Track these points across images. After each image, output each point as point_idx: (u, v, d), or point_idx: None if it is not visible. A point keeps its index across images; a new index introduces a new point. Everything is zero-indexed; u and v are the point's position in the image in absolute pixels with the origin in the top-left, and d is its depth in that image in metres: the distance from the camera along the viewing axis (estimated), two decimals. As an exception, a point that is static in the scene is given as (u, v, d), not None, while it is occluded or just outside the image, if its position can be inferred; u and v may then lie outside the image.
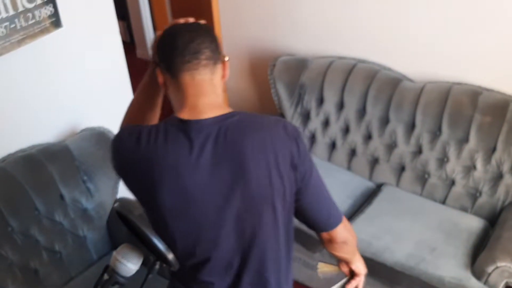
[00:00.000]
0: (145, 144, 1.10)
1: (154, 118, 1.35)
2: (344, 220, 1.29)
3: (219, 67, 1.16)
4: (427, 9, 2.38)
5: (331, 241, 1.29)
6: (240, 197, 1.11)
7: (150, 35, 4.88)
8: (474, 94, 2.28)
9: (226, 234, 1.15)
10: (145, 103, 1.33)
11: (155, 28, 4.88)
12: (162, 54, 1.15)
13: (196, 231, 1.14)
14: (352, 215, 2.37)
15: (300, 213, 1.24)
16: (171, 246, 1.16)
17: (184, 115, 1.12)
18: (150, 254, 1.18)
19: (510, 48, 2.25)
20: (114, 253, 1.15)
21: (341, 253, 1.33)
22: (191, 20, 1.21)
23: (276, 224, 1.19)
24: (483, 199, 2.29)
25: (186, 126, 1.10)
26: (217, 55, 1.14)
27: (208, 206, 1.12)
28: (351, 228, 1.33)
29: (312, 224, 1.27)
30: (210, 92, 1.14)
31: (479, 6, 2.25)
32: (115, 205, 1.24)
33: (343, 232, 1.28)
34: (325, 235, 1.28)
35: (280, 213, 1.18)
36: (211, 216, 1.13)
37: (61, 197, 2.05)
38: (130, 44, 5.11)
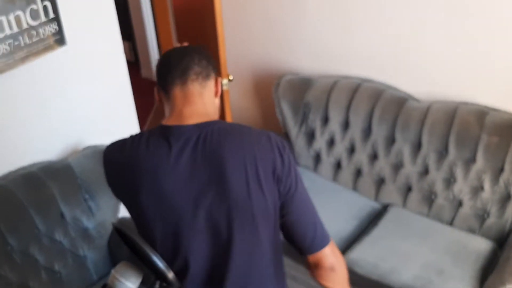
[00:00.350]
0: (128, 151, 1.17)
1: None
2: (332, 244, 1.24)
3: (210, 83, 1.25)
4: (433, 29, 2.38)
5: (317, 266, 1.23)
6: (215, 203, 1.12)
7: (155, 55, 4.91)
8: (481, 114, 2.26)
9: (201, 240, 1.15)
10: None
11: (160, 48, 4.91)
12: (158, 74, 1.26)
13: (174, 234, 1.16)
14: (357, 236, 2.33)
15: (285, 230, 1.21)
16: (154, 249, 1.16)
17: (169, 121, 1.18)
18: (150, 273, 1.15)
19: (517, 67, 2.24)
20: (113, 271, 1.12)
21: (329, 282, 1.25)
22: (185, 44, 1.33)
23: (259, 239, 1.17)
24: (491, 220, 2.24)
25: (167, 131, 1.15)
26: (207, 71, 1.23)
27: (184, 210, 1.13)
28: (340, 254, 1.27)
29: (297, 244, 1.22)
30: (197, 102, 1.21)
31: (485, 25, 2.24)
32: (114, 222, 1.21)
33: (330, 256, 1.22)
34: (311, 258, 1.23)
35: (263, 228, 1.16)
36: (187, 219, 1.14)
37: (62, 215, 2.02)
38: (134, 64, 5.13)
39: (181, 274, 1.18)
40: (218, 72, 1.30)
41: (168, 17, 4.63)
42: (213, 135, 1.13)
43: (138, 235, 1.11)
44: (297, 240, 1.21)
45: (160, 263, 1.08)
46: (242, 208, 1.12)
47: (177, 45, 1.34)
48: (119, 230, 1.12)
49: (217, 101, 1.29)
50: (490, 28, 2.24)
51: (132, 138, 1.21)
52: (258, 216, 1.14)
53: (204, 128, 1.14)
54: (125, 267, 1.13)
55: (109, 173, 1.22)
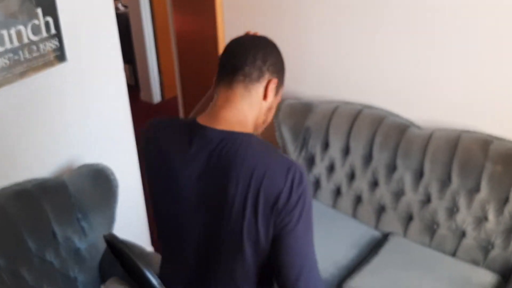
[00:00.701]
0: (160, 135, 1.18)
1: None
2: None
3: (259, 85, 1.14)
4: (435, 55, 2.37)
5: None
6: (210, 215, 1.09)
7: (155, 78, 4.91)
8: (485, 142, 2.23)
9: (191, 240, 1.16)
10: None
11: (160, 72, 4.92)
12: (218, 62, 1.20)
13: (174, 228, 1.18)
14: (357, 265, 2.26)
15: (271, 260, 1.11)
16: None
17: (202, 119, 1.14)
18: None
19: (520, 97, 2.22)
20: (102, 287, 1.06)
21: None
22: (257, 34, 1.23)
23: (245, 266, 1.10)
24: (495, 252, 2.18)
25: (194, 129, 1.13)
26: (260, 73, 1.12)
27: (185, 208, 1.14)
28: None
29: (278, 282, 1.11)
30: (237, 107, 1.13)
31: (488, 52, 2.23)
32: (105, 234, 1.15)
33: None
34: None
35: (250, 257, 1.09)
36: (185, 219, 1.15)
37: (54, 235, 1.96)
38: (134, 87, 5.13)
39: (172, 270, 1.21)
40: (279, 75, 1.17)
41: (170, 41, 4.65)
42: (233, 146, 1.08)
43: (129, 248, 1.06)
44: (279, 281, 1.10)
45: (154, 280, 1.02)
46: (232, 231, 1.07)
47: (250, 33, 1.25)
48: (110, 243, 1.06)
49: (265, 105, 1.17)
50: (494, 56, 2.23)
51: (169, 123, 1.20)
52: (246, 245, 1.07)
53: (228, 137, 1.09)
54: (115, 283, 1.07)
55: (143, 147, 1.24)
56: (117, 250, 1.08)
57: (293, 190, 1.03)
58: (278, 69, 1.16)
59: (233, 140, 1.08)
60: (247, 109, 1.14)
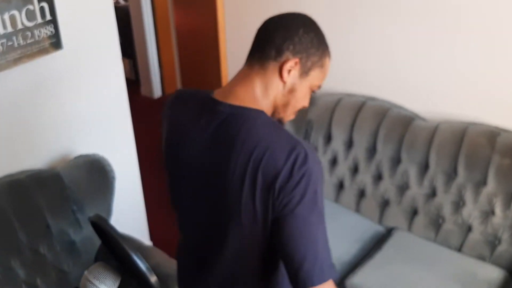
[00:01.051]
0: (179, 105, 1.19)
1: None
2: (330, 286, 1.01)
3: (276, 64, 1.08)
4: (439, 46, 2.31)
5: None
6: (212, 188, 1.09)
7: (156, 73, 4.86)
8: (492, 134, 2.17)
9: (198, 213, 1.16)
10: None
11: (161, 66, 4.87)
12: None
13: (184, 198, 1.19)
14: (360, 261, 2.21)
15: (277, 252, 1.05)
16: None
17: (217, 93, 1.13)
18: (130, 278, 1.02)
19: (529, 88, 2.16)
20: (86, 272, 0.99)
21: None
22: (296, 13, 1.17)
23: (243, 243, 1.09)
24: (502, 247, 2.12)
25: (207, 102, 1.12)
26: (279, 51, 1.07)
27: (192, 178, 1.14)
28: None
29: (287, 272, 1.04)
30: (249, 85, 1.10)
31: (495, 44, 2.17)
32: (91, 216, 1.09)
33: None
34: None
35: (249, 234, 1.07)
36: (193, 190, 1.15)
37: (48, 227, 1.90)
38: (135, 82, 5.08)
39: (183, 240, 1.24)
40: (304, 55, 1.09)
41: (171, 35, 4.60)
42: (239, 121, 1.05)
43: (117, 231, 1.00)
44: (285, 267, 1.04)
45: (142, 264, 0.96)
46: (230, 206, 1.06)
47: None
48: (96, 225, 1.00)
49: (282, 86, 1.11)
50: (500, 47, 2.17)
51: (194, 93, 1.20)
52: (246, 223, 1.05)
53: (238, 111, 1.07)
54: (100, 268, 1.00)
55: (165, 110, 1.24)
56: (104, 233, 1.01)
57: (294, 170, 0.98)
58: (303, 48, 1.09)
59: (240, 116, 1.06)
60: (261, 87, 1.10)
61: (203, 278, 1.22)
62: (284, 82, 1.10)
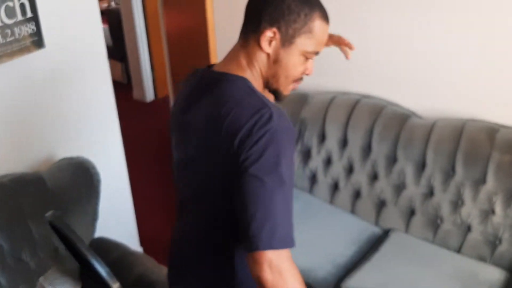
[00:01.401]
0: (185, 82, 1.25)
1: None
2: (281, 258, 0.94)
3: (255, 36, 1.11)
4: (436, 42, 2.26)
5: (253, 274, 0.95)
6: (193, 148, 1.13)
7: (148, 76, 4.80)
8: (491, 131, 2.10)
9: (184, 176, 1.21)
10: None
11: (153, 70, 4.80)
12: None
13: (177, 163, 1.24)
14: (356, 263, 2.13)
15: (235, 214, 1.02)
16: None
17: (213, 66, 1.20)
18: (94, 284, 0.95)
19: (528, 82, 2.10)
20: (41, 279, 0.92)
21: None
22: None
23: (211, 206, 1.12)
24: (503, 247, 2.06)
25: (196, 72, 1.21)
26: (256, 24, 1.10)
27: (180, 141, 1.21)
28: (287, 279, 0.94)
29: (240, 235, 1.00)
30: (235, 57, 1.15)
31: (494, 38, 2.12)
32: (47, 214, 1.02)
33: (266, 270, 0.92)
34: (249, 259, 0.96)
35: (209, 201, 1.12)
36: (181, 153, 1.21)
37: (30, 232, 1.82)
38: (127, 86, 5.02)
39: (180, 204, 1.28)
40: (282, 25, 1.08)
41: (162, 39, 4.54)
42: (217, 84, 1.09)
43: (74, 232, 0.93)
44: (240, 230, 0.98)
45: (101, 269, 0.89)
46: (198, 165, 1.11)
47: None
48: (53, 225, 0.92)
49: (264, 57, 1.12)
50: (498, 43, 2.12)
51: (198, 70, 1.24)
52: (213, 179, 1.08)
53: (218, 76, 1.11)
54: (56, 273, 0.93)
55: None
56: (62, 235, 0.94)
57: (254, 129, 0.98)
58: (280, 17, 1.08)
59: (219, 79, 1.10)
60: (245, 59, 1.13)
61: (183, 254, 1.25)
62: (267, 53, 1.10)
